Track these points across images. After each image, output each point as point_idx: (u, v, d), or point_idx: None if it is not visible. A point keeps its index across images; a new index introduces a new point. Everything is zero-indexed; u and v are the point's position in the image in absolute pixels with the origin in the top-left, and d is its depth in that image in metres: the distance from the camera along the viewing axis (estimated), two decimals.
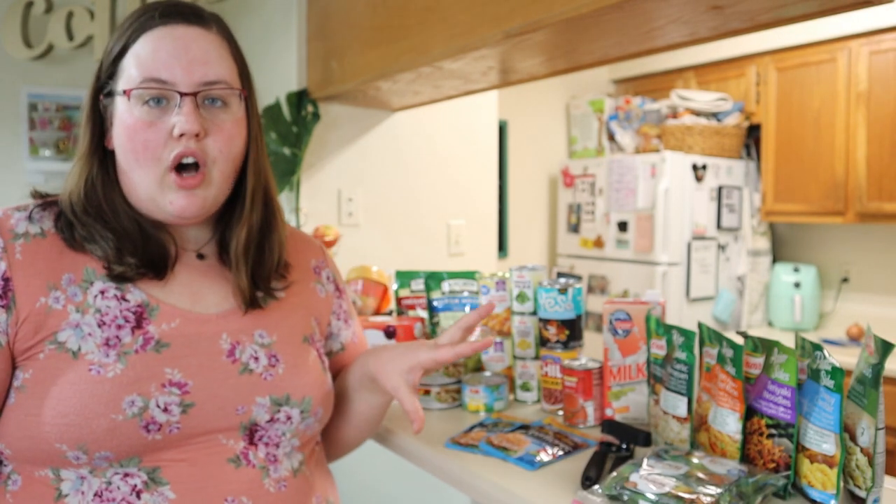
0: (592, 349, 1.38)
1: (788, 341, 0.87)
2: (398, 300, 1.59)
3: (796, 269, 3.26)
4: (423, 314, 1.53)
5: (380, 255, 2.30)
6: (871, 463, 0.82)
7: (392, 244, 2.40)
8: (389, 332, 1.41)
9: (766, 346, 0.92)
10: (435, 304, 1.47)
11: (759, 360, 0.93)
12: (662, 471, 0.88)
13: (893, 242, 3.12)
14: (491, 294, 1.39)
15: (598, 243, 3.43)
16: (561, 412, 1.27)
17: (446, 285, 1.49)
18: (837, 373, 0.83)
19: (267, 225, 0.94)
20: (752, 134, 3.41)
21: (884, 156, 2.86)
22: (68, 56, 2.31)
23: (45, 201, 0.87)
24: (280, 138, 2.12)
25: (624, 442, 1.06)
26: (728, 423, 0.94)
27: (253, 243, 0.92)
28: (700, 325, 1.04)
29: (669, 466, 0.90)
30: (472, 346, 0.95)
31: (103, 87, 0.86)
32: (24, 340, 0.78)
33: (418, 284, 1.56)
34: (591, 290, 3.45)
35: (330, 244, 2.01)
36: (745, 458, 0.94)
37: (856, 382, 0.85)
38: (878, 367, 0.80)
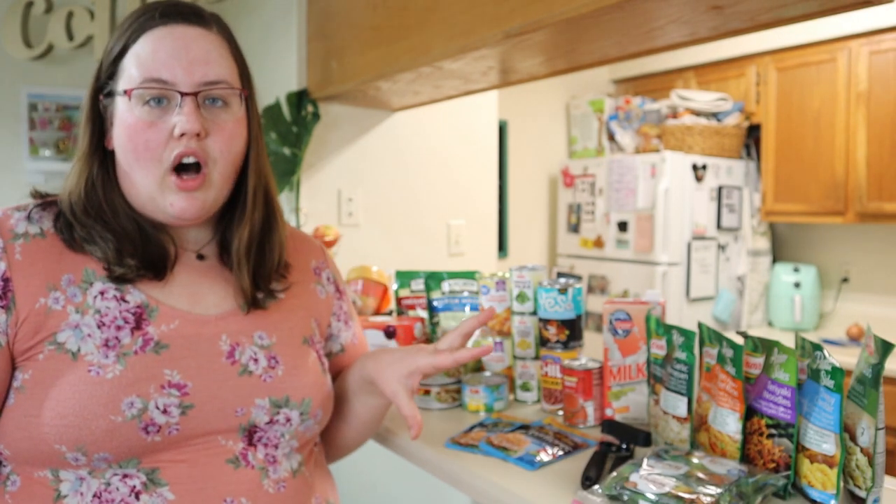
0: (592, 349, 1.38)
1: (788, 341, 0.87)
2: (398, 300, 1.59)
3: (796, 269, 3.26)
4: (423, 314, 1.53)
5: (380, 255, 2.30)
6: (871, 463, 0.82)
7: (392, 244, 2.40)
8: (389, 332, 1.41)
9: (766, 346, 0.92)
10: (435, 304, 1.47)
11: (759, 360, 0.93)
12: (662, 471, 0.88)
13: (893, 242, 3.12)
14: (491, 294, 1.39)
15: (598, 243, 3.43)
16: (561, 412, 1.27)
17: (446, 285, 1.49)
18: (837, 373, 0.83)
19: (267, 225, 0.94)
20: (752, 134, 3.41)
21: (884, 156, 2.86)
22: (68, 56, 2.31)
23: (45, 201, 0.87)
24: (280, 138, 2.12)
25: (624, 442, 1.06)
26: (728, 423, 0.94)
27: (255, 243, 0.92)
28: (700, 325, 1.04)
29: (669, 466, 0.90)
30: (471, 352, 0.95)
31: (103, 86, 0.86)
32: (24, 341, 0.78)
33: (418, 284, 1.56)
34: (591, 290, 3.45)
35: (330, 244, 2.01)
36: (745, 458, 0.94)
37: (856, 382, 0.85)
38: (878, 367, 0.80)
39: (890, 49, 2.84)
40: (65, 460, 0.76)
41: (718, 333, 0.98)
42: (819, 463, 0.85)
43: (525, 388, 1.36)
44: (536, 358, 1.35)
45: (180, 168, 0.83)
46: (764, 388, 0.91)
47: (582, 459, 1.04)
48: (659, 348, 1.08)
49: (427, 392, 1.33)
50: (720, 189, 3.26)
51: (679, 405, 1.03)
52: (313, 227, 2.09)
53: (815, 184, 3.09)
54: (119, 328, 0.80)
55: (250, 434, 0.85)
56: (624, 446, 1.05)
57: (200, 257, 0.92)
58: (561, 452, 1.06)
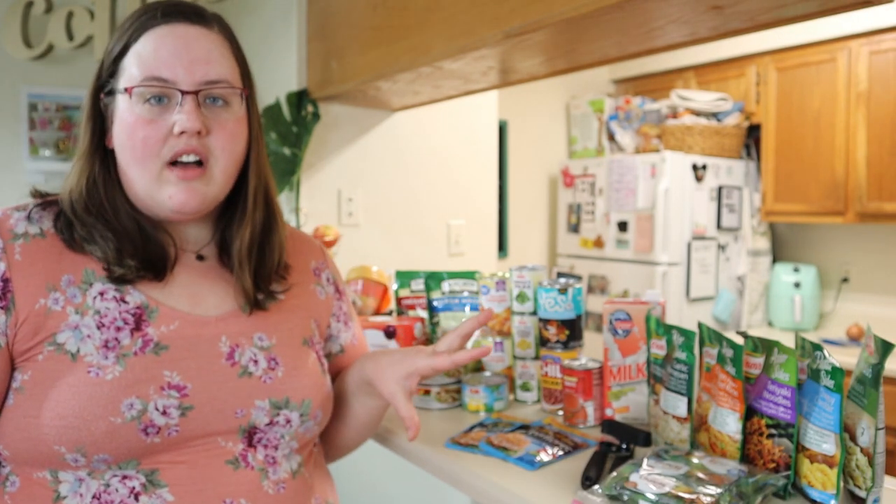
0: (592, 349, 1.38)
1: (788, 341, 0.87)
2: (398, 300, 1.59)
3: (796, 269, 3.26)
4: (423, 314, 1.53)
5: (380, 255, 2.30)
6: (871, 463, 0.82)
7: (392, 244, 2.40)
8: (389, 332, 1.41)
9: (766, 346, 0.92)
10: (435, 304, 1.47)
11: (759, 360, 0.93)
12: (662, 471, 0.88)
13: (893, 242, 3.12)
14: (491, 294, 1.39)
15: (598, 243, 3.43)
16: (561, 412, 1.27)
17: (446, 285, 1.50)
18: (837, 373, 0.83)
19: (268, 226, 0.94)
20: (752, 134, 3.41)
21: (884, 156, 2.86)
22: (68, 56, 2.31)
23: (45, 201, 0.86)
24: (280, 138, 2.12)
25: (624, 442, 1.06)
26: (728, 423, 0.94)
27: (255, 244, 0.92)
28: (700, 325, 1.04)
29: (669, 466, 0.90)
30: (469, 353, 0.95)
31: (104, 85, 0.86)
32: (24, 342, 0.78)
33: (418, 284, 1.56)
34: (591, 290, 3.45)
35: (330, 244, 2.01)
36: (745, 458, 0.94)
37: (856, 382, 0.85)
38: (878, 367, 0.80)
39: (890, 49, 2.84)
40: (64, 461, 0.76)
41: (718, 333, 0.98)
42: (819, 463, 0.85)
43: (525, 388, 1.36)
44: (536, 358, 1.35)
45: (177, 163, 0.83)
46: (764, 388, 0.91)
47: (582, 459, 1.04)
48: (659, 348, 1.08)
49: (427, 392, 1.33)
50: (720, 189, 3.26)
51: (679, 405, 1.03)
52: (313, 227, 2.09)
53: (815, 184, 3.09)
54: (119, 329, 0.80)
55: (250, 435, 0.85)
56: (624, 446, 1.05)
57: (200, 258, 0.91)
58: (561, 452, 1.06)
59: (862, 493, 0.83)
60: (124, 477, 0.78)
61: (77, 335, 0.79)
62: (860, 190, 2.93)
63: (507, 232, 3.66)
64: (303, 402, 0.88)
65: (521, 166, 3.74)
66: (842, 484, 0.85)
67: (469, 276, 1.51)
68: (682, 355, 1.03)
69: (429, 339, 1.49)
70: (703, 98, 3.32)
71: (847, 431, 0.85)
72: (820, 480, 0.85)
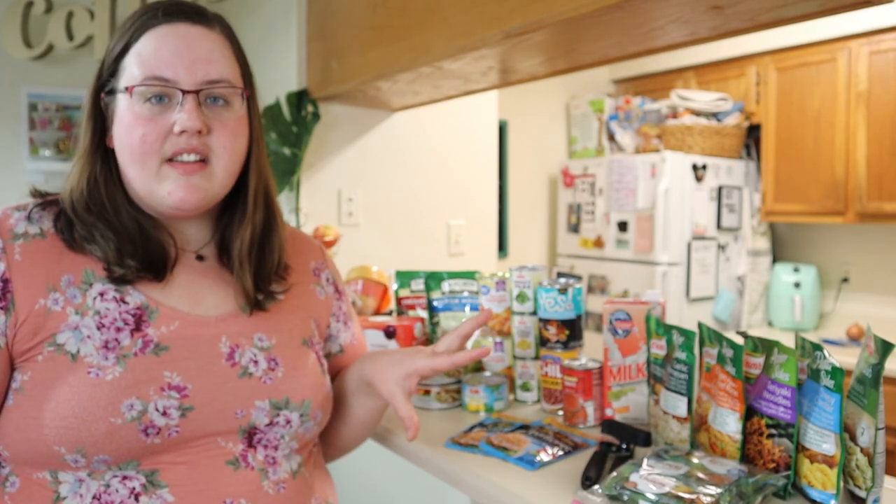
0: (592, 349, 1.38)
1: (788, 341, 0.87)
2: (398, 300, 1.59)
3: (796, 269, 3.26)
4: (423, 314, 1.53)
5: (380, 255, 2.30)
6: (871, 463, 0.82)
7: (392, 244, 2.40)
8: (389, 332, 1.41)
9: (766, 346, 0.92)
10: (435, 304, 1.47)
11: (759, 360, 0.93)
12: (662, 471, 0.88)
13: (893, 242, 3.12)
14: (491, 294, 1.39)
15: (598, 243, 3.43)
16: (561, 412, 1.27)
17: (446, 285, 1.50)
18: (837, 373, 0.83)
19: (268, 226, 0.94)
20: (752, 134, 3.41)
21: (884, 156, 2.86)
22: (68, 56, 2.31)
23: (45, 201, 0.86)
24: (280, 138, 2.12)
25: (624, 442, 1.06)
26: (728, 423, 0.94)
27: (256, 244, 0.92)
28: (700, 325, 1.04)
29: (669, 466, 0.90)
30: (469, 354, 0.95)
31: (105, 84, 0.86)
32: (23, 342, 0.78)
33: (418, 284, 1.56)
34: (591, 290, 3.45)
35: (330, 244, 2.01)
36: (745, 458, 0.94)
37: (856, 382, 0.85)
38: (878, 367, 0.80)
39: (890, 49, 2.84)
40: (64, 462, 0.76)
41: (718, 333, 0.98)
42: (819, 463, 0.85)
43: (525, 388, 1.36)
44: (536, 358, 1.35)
45: (178, 161, 0.83)
46: (764, 388, 0.91)
47: (582, 459, 1.04)
48: (659, 348, 1.08)
49: (427, 392, 1.33)
50: (720, 189, 3.26)
51: (679, 405, 1.03)
52: (313, 227, 2.09)
53: (815, 184, 3.09)
54: (119, 330, 0.80)
55: (250, 436, 0.85)
56: (624, 446, 1.05)
57: (200, 258, 0.91)
58: (561, 452, 1.06)
59: (862, 493, 0.83)
60: (124, 477, 0.78)
61: (77, 336, 0.78)
62: (860, 190, 2.93)
63: (507, 232, 3.66)
64: (303, 403, 0.88)
65: (521, 166, 3.74)
66: (842, 484, 0.85)
67: (469, 276, 1.51)
68: (682, 355, 1.03)
69: (429, 339, 1.49)
70: (703, 98, 3.32)
71: (847, 431, 0.85)
72: (820, 480, 0.85)
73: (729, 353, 0.94)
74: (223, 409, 0.82)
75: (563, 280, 1.32)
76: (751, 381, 0.94)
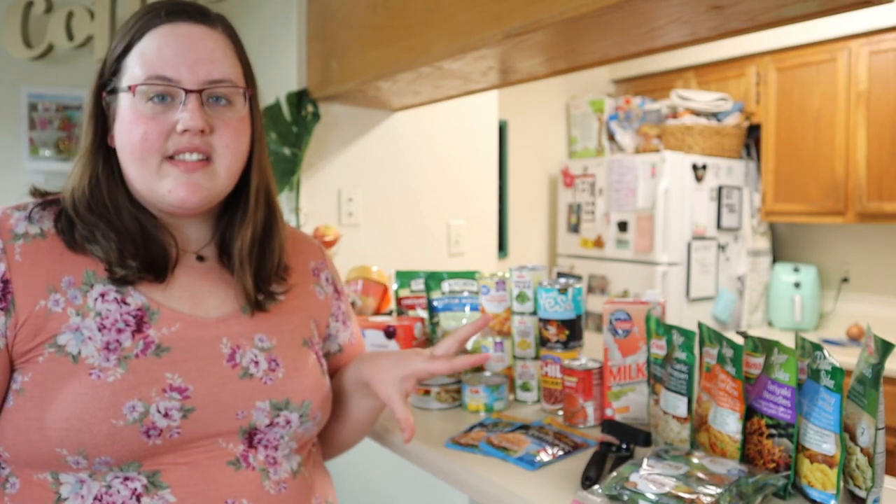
0: (592, 349, 1.38)
1: (788, 341, 0.87)
2: (398, 300, 1.59)
3: (796, 269, 3.26)
4: (423, 314, 1.53)
5: (380, 255, 2.30)
6: (871, 463, 0.82)
7: (392, 244, 2.40)
8: (389, 332, 1.41)
9: (766, 346, 0.92)
10: (435, 304, 1.47)
11: (759, 360, 0.93)
12: (662, 471, 0.88)
13: (893, 242, 3.12)
14: (491, 294, 1.39)
15: (598, 243, 3.43)
16: (561, 412, 1.27)
17: (446, 285, 1.50)
18: (837, 373, 0.83)
19: (268, 226, 0.94)
20: (752, 134, 3.41)
21: (884, 156, 2.86)
22: (68, 56, 2.31)
23: (45, 200, 0.86)
24: (280, 138, 2.12)
25: (624, 442, 1.06)
26: (728, 423, 0.94)
27: (256, 244, 0.92)
28: (700, 325, 1.04)
29: (669, 466, 0.90)
30: (467, 360, 0.95)
31: (106, 84, 0.86)
32: (24, 343, 0.78)
33: (418, 284, 1.56)
34: (591, 290, 3.45)
35: (330, 244, 2.01)
36: (745, 458, 0.94)
37: (856, 382, 0.85)
38: (878, 367, 0.80)
39: (890, 49, 2.84)
40: (65, 463, 0.76)
41: (718, 333, 0.98)
42: (819, 463, 0.85)
43: (525, 388, 1.36)
44: (536, 358, 1.35)
45: (179, 159, 0.83)
46: (764, 388, 0.91)
47: (582, 459, 1.04)
48: (659, 348, 1.08)
49: (427, 392, 1.33)
50: (720, 189, 3.26)
51: (679, 405, 1.03)
52: (313, 227, 2.09)
53: (815, 184, 3.09)
54: (120, 331, 0.80)
55: (250, 436, 0.85)
56: (624, 446, 1.05)
57: (200, 258, 0.91)
58: (561, 452, 1.06)
59: (862, 493, 0.83)
60: (126, 478, 0.78)
61: (78, 337, 0.78)
62: (860, 190, 2.93)
63: (507, 232, 3.66)
64: (303, 403, 0.88)
65: (521, 166, 3.74)
66: (842, 484, 0.85)
67: (469, 276, 1.51)
68: (682, 355, 1.03)
69: (429, 339, 1.49)
70: (703, 98, 3.32)
71: (847, 431, 0.85)
72: (820, 480, 0.85)
73: (729, 353, 0.94)
74: (224, 409, 0.82)
75: (563, 280, 1.32)
76: (751, 381, 0.94)
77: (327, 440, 1.06)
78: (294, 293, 0.97)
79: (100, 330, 0.79)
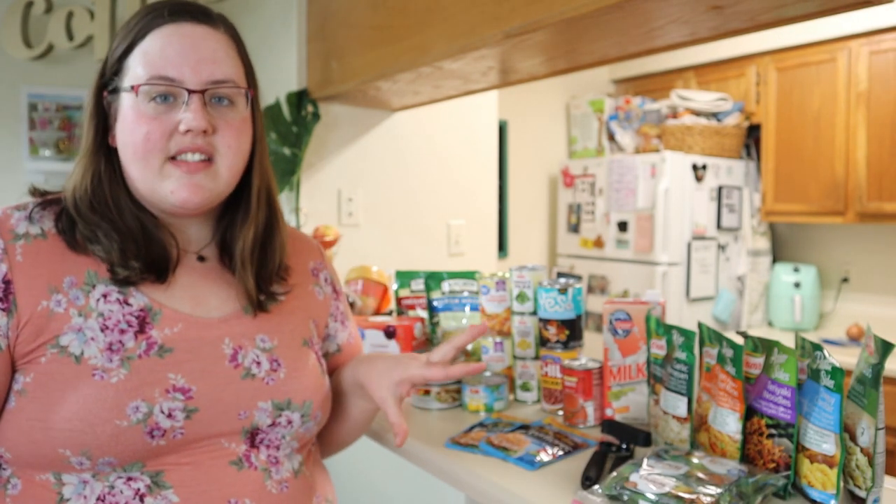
0: (592, 349, 1.38)
1: (788, 341, 0.87)
2: (398, 300, 1.59)
3: (796, 269, 3.26)
4: (423, 314, 1.53)
5: (380, 255, 2.30)
6: (871, 463, 0.82)
7: (392, 244, 2.40)
8: (389, 332, 1.41)
9: (766, 346, 0.92)
10: (435, 304, 1.48)
11: (759, 360, 0.93)
12: (662, 471, 0.88)
13: (893, 242, 3.12)
14: (491, 294, 1.39)
15: (598, 243, 3.43)
16: (561, 412, 1.27)
17: (446, 285, 1.50)
18: (837, 373, 0.83)
19: (270, 226, 0.94)
20: (752, 134, 3.41)
21: (884, 156, 2.86)
22: (68, 56, 2.31)
23: (45, 200, 0.86)
24: (280, 138, 2.12)
25: (624, 442, 1.06)
26: (728, 423, 0.94)
27: (258, 244, 0.92)
28: (700, 325, 1.04)
29: (669, 466, 0.90)
30: (463, 368, 0.96)
31: (108, 83, 0.86)
32: (25, 344, 0.77)
33: (418, 284, 1.56)
34: (591, 290, 3.45)
35: (330, 244, 2.01)
36: (745, 458, 0.94)
37: (856, 382, 0.85)
38: (878, 367, 0.80)
39: (890, 49, 2.84)
40: (69, 464, 0.76)
41: (718, 333, 0.98)
42: (819, 463, 0.85)
43: (525, 388, 1.36)
44: (536, 358, 1.35)
45: (181, 160, 0.83)
46: (764, 388, 0.91)
47: (582, 459, 1.04)
48: (659, 348, 1.08)
49: (427, 392, 1.33)
50: (720, 189, 3.26)
51: (679, 405, 1.03)
52: (313, 227, 2.09)
53: (815, 184, 3.09)
54: (123, 332, 0.80)
55: (252, 436, 0.85)
56: (624, 446, 1.05)
57: (201, 259, 0.91)
58: (561, 452, 1.06)
59: (862, 493, 0.83)
60: (129, 479, 0.78)
61: (81, 338, 0.78)
62: (860, 190, 2.93)
63: (507, 232, 3.66)
64: (304, 403, 0.89)
65: (521, 166, 3.74)
66: (842, 484, 0.85)
67: (469, 276, 1.51)
68: (682, 355, 1.03)
69: (429, 339, 1.49)
70: (703, 98, 3.32)
71: (847, 431, 0.85)
72: (820, 480, 0.85)
73: (729, 353, 0.94)
74: (227, 410, 0.83)
75: (563, 280, 1.32)
76: (751, 381, 0.94)
77: (325, 439, 1.06)
78: (294, 293, 0.97)
79: (102, 330, 0.79)
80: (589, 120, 3.74)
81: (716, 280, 3.28)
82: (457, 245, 2.58)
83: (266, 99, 2.12)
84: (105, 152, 0.86)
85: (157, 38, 0.83)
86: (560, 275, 3.52)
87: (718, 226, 3.26)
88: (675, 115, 3.34)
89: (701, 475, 0.86)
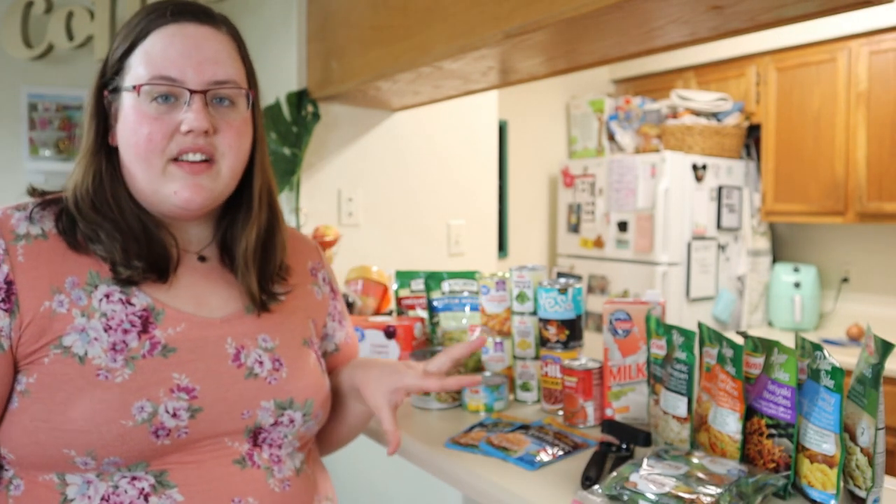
0: (592, 349, 1.38)
1: (788, 341, 0.87)
2: (398, 300, 1.59)
3: (796, 269, 3.26)
4: (423, 314, 1.54)
5: (380, 255, 2.31)
6: (871, 463, 0.82)
7: (392, 244, 2.40)
8: (389, 332, 1.41)
9: (766, 346, 0.92)
10: (435, 304, 1.48)
11: (759, 360, 0.93)
12: (662, 471, 0.88)
13: (893, 242, 3.12)
14: (491, 294, 1.39)
15: (598, 243, 3.43)
16: (561, 412, 1.27)
17: (446, 285, 1.50)
18: (837, 373, 0.83)
19: (271, 226, 0.94)
20: (752, 134, 3.41)
21: (884, 156, 2.86)
22: (68, 56, 2.31)
23: (44, 200, 0.86)
24: (280, 138, 2.12)
25: (624, 442, 1.06)
26: (728, 423, 0.94)
27: (260, 245, 0.92)
28: (700, 325, 1.04)
29: (669, 466, 0.90)
30: (459, 381, 0.96)
31: (109, 82, 0.85)
32: (28, 345, 0.77)
33: (418, 284, 1.56)
34: (591, 290, 3.45)
35: (330, 244, 2.01)
36: (745, 458, 0.94)
37: (856, 382, 0.85)
38: (878, 367, 0.80)
39: (890, 49, 2.84)
40: (73, 464, 0.76)
41: (718, 333, 0.98)
42: (819, 463, 0.85)
43: (525, 388, 1.36)
44: (536, 358, 1.35)
45: (183, 160, 0.83)
46: (764, 388, 0.91)
47: (582, 459, 1.04)
48: (659, 348, 1.08)
49: (427, 392, 1.33)
50: (720, 189, 3.26)
51: (679, 405, 1.03)
52: (313, 227, 2.09)
53: (815, 184, 3.09)
54: (126, 332, 0.80)
55: (255, 435, 0.85)
56: (624, 446, 1.05)
57: (202, 259, 0.91)
58: (561, 452, 1.06)
59: (862, 493, 0.83)
60: (133, 478, 0.78)
61: (84, 338, 0.78)
62: (860, 190, 2.93)
63: (507, 232, 3.66)
64: (306, 402, 0.89)
65: (521, 166, 3.74)
66: (842, 484, 0.85)
67: (469, 276, 1.51)
68: (682, 355, 1.03)
69: (429, 339, 1.49)
70: (703, 98, 3.32)
71: (847, 431, 0.85)
72: (820, 480, 0.85)
73: (729, 353, 0.94)
74: (230, 409, 0.83)
75: (563, 280, 1.32)
76: (751, 381, 0.94)
77: (323, 438, 1.06)
78: (294, 293, 0.97)
79: (106, 331, 0.79)
80: (589, 120, 3.74)
81: (716, 280, 3.28)
82: (457, 245, 2.58)
83: (266, 99, 2.12)
84: (106, 152, 0.86)
85: (159, 37, 0.83)
86: (560, 275, 3.52)
87: (718, 226, 3.27)
88: (675, 115, 3.34)
89: (701, 475, 0.86)
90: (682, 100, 3.34)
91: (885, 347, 0.80)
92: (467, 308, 1.46)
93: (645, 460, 0.92)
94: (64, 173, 0.88)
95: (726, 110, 3.30)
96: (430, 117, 2.48)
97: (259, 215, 0.91)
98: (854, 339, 3.00)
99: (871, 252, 3.19)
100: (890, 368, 2.43)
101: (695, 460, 0.91)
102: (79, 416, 0.74)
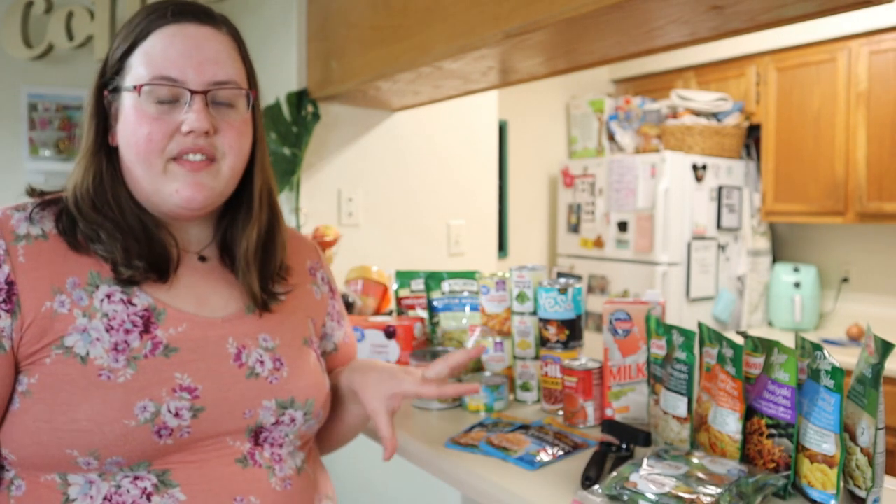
0: (592, 349, 1.38)
1: (788, 341, 0.87)
2: (398, 300, 1.59)
3: (796, 269, 3.27)
4: (423, 314, 1.54)
5: (380, 255, 2.31)
6: (871, 463, 0.82)
7: (392, 244, 2.40)
8: (389, 332, 1.41)
9: (766, 346, 0.92)
10: (435, 304, 1.48)
11: (759, 360, 0.93)
12: (662, 471, 0.88)
13: (893, 242, 3.12)
14: (491, 294, 1.39)
15: (598, 243, 3.43)
16: (561, 412, 1.27)
17: (446, 285, 1.50)
18: (837, 373, 0.83)
19: (271, 226, 0.94)
20: (752, 134, 3.41)
21: (884, 156, 2.87)
22: (68, 56, 2.31)
23: (44, 200, 0.86)
24: (280, 138, 2.12)
25: (624, 442, 1.06)
26: (728, 423, 0.94)
27: (261, 245, 0.92)
28: (700, 325, 1.04)
29: (669, 466, 0.90)
30: (456, 389, 0.96)
31: (109, 82, 0.85)
32: (29, 345, 0.77)
33: (418, 284, 1.56)
34: (591, 290, 3.45)
35: (330, 244, 2.01)
36: (745, 458, 0.94)
37: (856, 382, 0.85)
38: (878, 367, 0.80)
39: (890, 49, 2.84)
40: (76, 464, 0.76)
41: (718, 333, 0.98)
42: (819, 463, 0.85)
43: (525, 388, 1.36)
44: (536, 358, 1.35)
45: (184, 160, 0.83)
46: (764, 388, 0.91)
47: (582, 459, 1.04)
48: (659, 348, 1.08)
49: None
50: (720, 189, 3.26)
51: (679, 405, 1.03)
52: (313, 227, 2.09)
53: (815, 184, 3.09)
54: (128, 332, 0.80)
55: (256, 434, 0.85)
56: (624, 446, 1.05)
57: (202, 259, 0.91)
58: (561, 452, 1.06)
59: (862, 493, 0.83)
60: (136, 478, 0.78)
61: (86, 338, 0.78)
62: (860, 190, 2.93)
63: (507, 232, 3.66)
64: (307, 402, 0.89)
65: (521, 166, 3.74)
66: (842, 484, 0.85)
67: (469, 276, 1.51)
68: (682, 355, 1.03)
69: (429, 339, 1.49)
70: (703, 98, 3.32)
71: (847, 431, 0.85)
72: (820, 480, 0.85)
73: (729, 353, 0.94)
74: (232, 409, 0.83)
75: (563, 280, 1.32)
76: (751, 381, 0.94)
77: (323, 437, 1.06)
78: (294, 293, 0.97)
79: (107, 331, 0.79)
80: (589, 120, 3.74)
81: (716, 280, 3.28)
82: (457, 245, 2.58)
83: (266, 99, 2.12)
84: (106, 152, 0.86)
85: (159, 38, 0.83)
86: (560, 275, 3.52)
87: (718, 226, 3.27)
88: (675, 115, 3.34)
89: (701, 475, 0.86)
90: (682, 100, 3.34)
91: (885, 347, 0.80)
92: (467, 308, 1.46)
93: (645, 460, 0.92)
94: (64, 173, 0.87)
95: (726, 110, 3.30)
96: (430, 117, 2.48)
97: (259, 215, 0.92)
98: (854, 339, 3.00)
99: (871, 252, 3.19)
100: (890, 368, 2.43)
101: (695, 460, 0.91)
102: (81, 417, 0.74)
